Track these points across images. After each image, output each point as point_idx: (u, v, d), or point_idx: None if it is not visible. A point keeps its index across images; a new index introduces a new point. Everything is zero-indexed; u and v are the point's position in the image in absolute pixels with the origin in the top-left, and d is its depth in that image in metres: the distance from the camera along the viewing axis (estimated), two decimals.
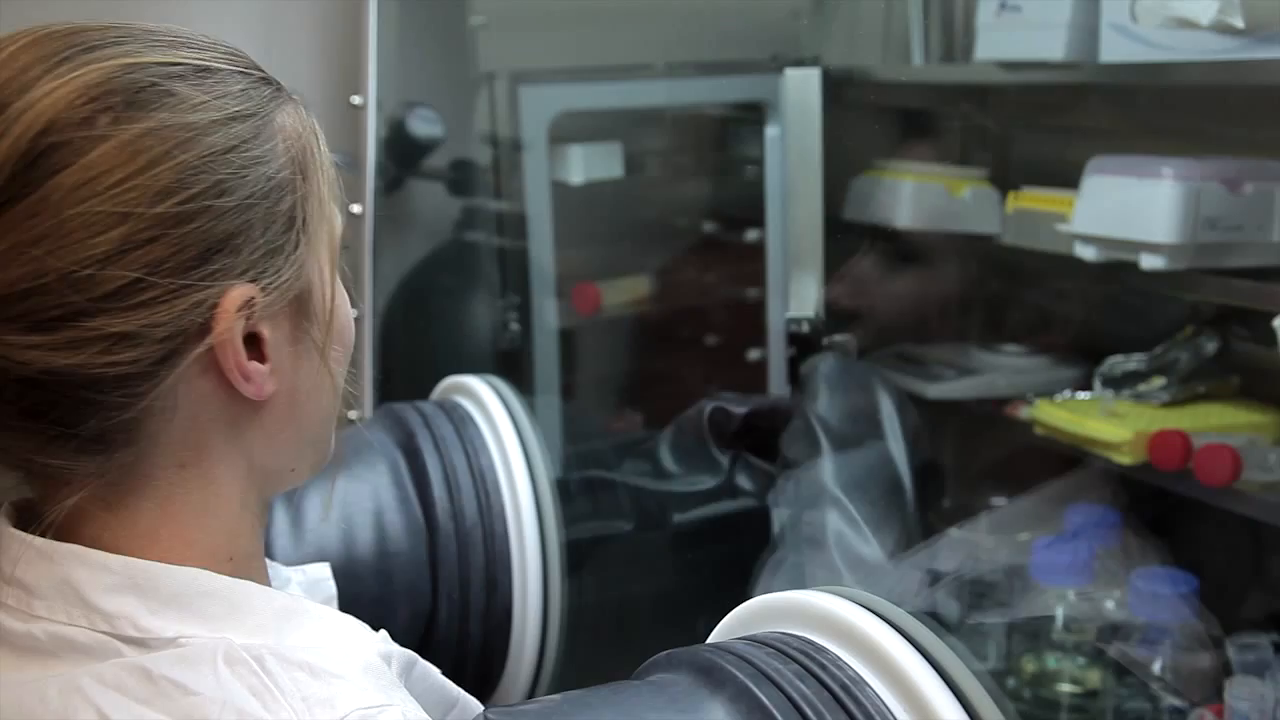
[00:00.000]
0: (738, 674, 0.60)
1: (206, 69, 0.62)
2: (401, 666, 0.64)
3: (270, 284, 0.62)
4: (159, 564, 0.62)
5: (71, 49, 0.59)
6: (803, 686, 0.60)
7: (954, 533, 1.44)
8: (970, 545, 1.33)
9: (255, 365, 0.62)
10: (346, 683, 0.58)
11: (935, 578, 1.24)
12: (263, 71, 0.66)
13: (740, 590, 1.28)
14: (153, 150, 0.58)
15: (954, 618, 1.40)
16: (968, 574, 1.22)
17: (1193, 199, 1.16)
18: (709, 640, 0.71)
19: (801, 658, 0.62)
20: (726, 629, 0.71)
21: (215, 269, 0.60)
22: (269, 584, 0.69)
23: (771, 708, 0.59)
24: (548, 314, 1.53)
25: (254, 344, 0.62)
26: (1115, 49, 1.23)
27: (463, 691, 0.75)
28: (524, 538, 0.99)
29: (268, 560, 0.73)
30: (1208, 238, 1.17)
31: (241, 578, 0.64)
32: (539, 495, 1.01)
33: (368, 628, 0.66)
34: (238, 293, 0.60)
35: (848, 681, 0.61)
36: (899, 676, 0.61)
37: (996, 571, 1.25)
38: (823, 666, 0.61)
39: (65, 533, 0.63)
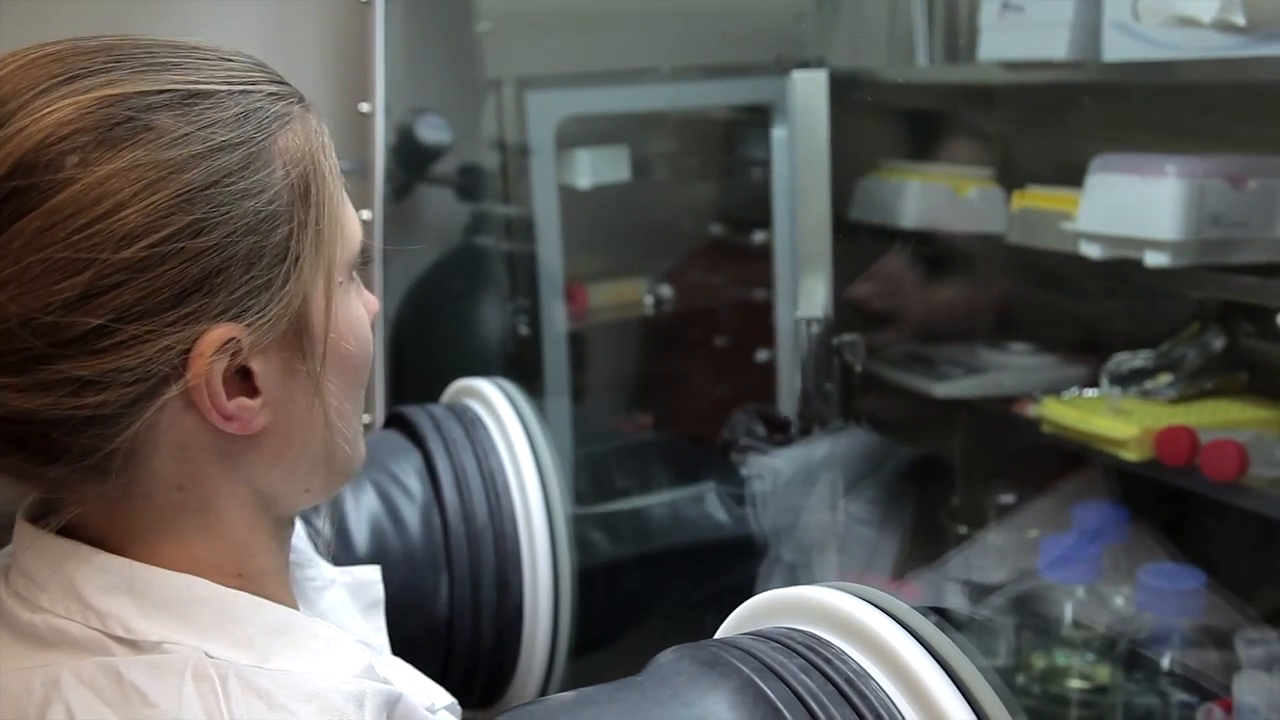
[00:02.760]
0: (742, 668, 0.61)
1: (197, 94, 0.60)
2: (379, 705, 0.62)
3: (256, 321, 0.60)
4: (155, 569, 0.63)
5: (53, 79, 0.58)
6: (807, 680, 0.61)
7: (969, 534, 1.45)
8: (991, 552, 1.34)
9: (240, 402, 0.61)
10: (297, 718, 0.58)
11: (976, 591, 1.24)
12: (275, 84, 0.64)
13: (746, 592, 1.29)
14: (119, 193, 0.56)
15: (963, 614, 1.41)
16: (1015, 589, 1.23)
17: (1196, 196, 1.16)
18: (715, 636, 0.72)
19: (806, 651, 0.63)
20: (732, 625, 0.72)
21: (189, 311, 0.58)
22: (291, 599, 0.70)
23: (776, 700, 0.59)
24: (556, 317, 1.54)
25: (245, 375, 0.62)
26: (1118, 48, 1.23)
27: None
28: (534, 538, 1.01)
29: (315, 561, 0.74)
30: (1212, 234, 1.18)
31: (253, 593, 0.64)
32: (549, 497, 1.02)
33: (360, 657, 0.65)
34: (216, 334, 0.59)
35: (852, 675, 0.62)
36: (903, 671, 0.61)
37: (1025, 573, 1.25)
38: (827, 660, 0.62)
39: (74, 532, 0.64)
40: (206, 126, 0.59)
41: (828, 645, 0.64)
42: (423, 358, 1.54)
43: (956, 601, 1.30)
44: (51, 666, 0.60)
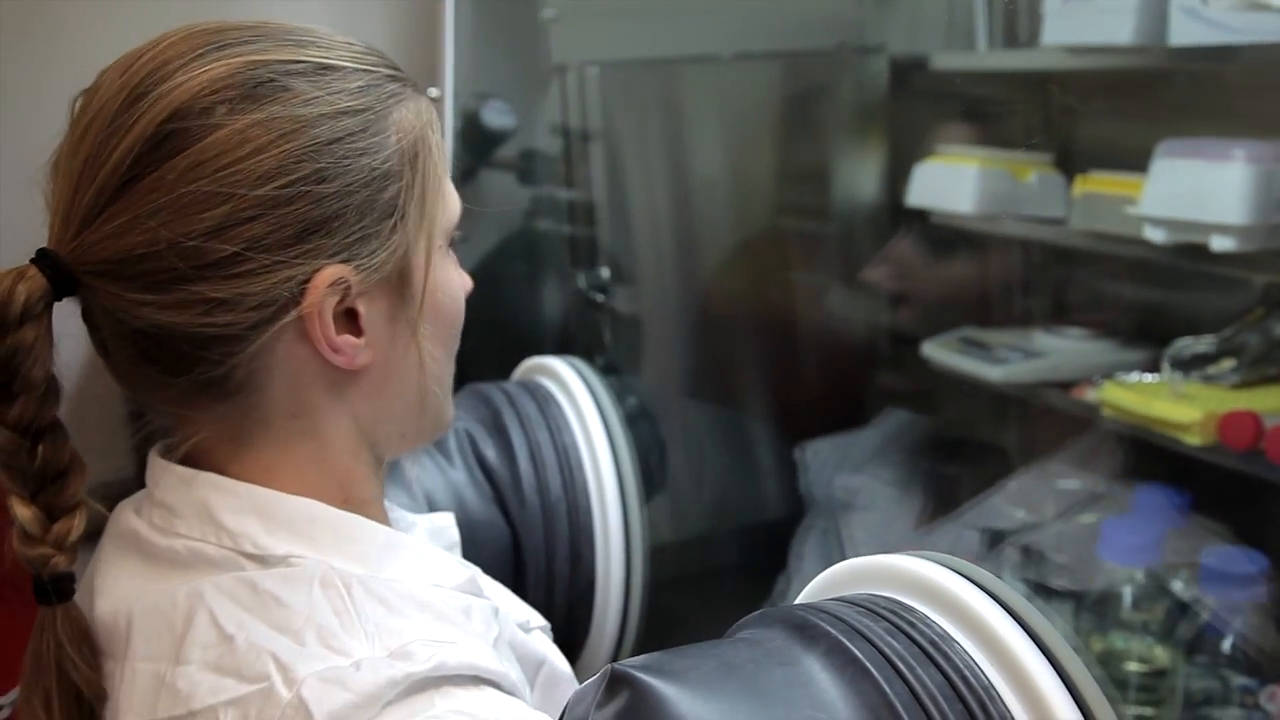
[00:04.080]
0: (831, 630, 0.63)
1: (328, 67, 0.67)
2: (485, 617, 0.69)
3: (364, 265, 0.67)
4: (276, 492, 0.69)
5: (209, 46, 0.66)
6: (893, 642, 0.62)
7: (1010, 486, 1.45)
8: (1024, 500, 1.34)
9: (347, 339, 0.68)
10: (414, 620, 0.65)
11: (994, 538, 1.25)
12: (391, 69, 0.71)
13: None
14: (259, 139, 0.64)
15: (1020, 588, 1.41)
16: (1027, 538, 1.23)
17: (1264, 180, 1.16)
18: (796, 601, 0.74)
19: (891, 615, 0.64)
20: (815, 591, 0.74)
21: (310, 248, 0.65)
22: (387, 524, 0.75)
23: (865, 660, 0.61)
24: (618, 300, 1.56)
25: (352, 318, 0.68)
26: (1185, 32, 1.23)
27: (552, 649, 0.79)
28: (606, 512, 1.02)
29: (395, 507, 0.80)
30: (1279, 219, 1.18)
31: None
32: (621, 472, 1.04)
33: (463, 571, 0.72)
34: (329, 271, 0.66)
35: (936, 638, 0.63)
36: (987, 633, 0.63)
37: (1054, 536, 1.26)
38: (911, 624, 0.64)
39: (202, 464, 0.71)
40: (334, 93, 0.67)
41: (910, 610, 0.66)
42: (488, 337, 1.56)
43: (974, 545, 1.30)
44: (193, 582, 0.66)
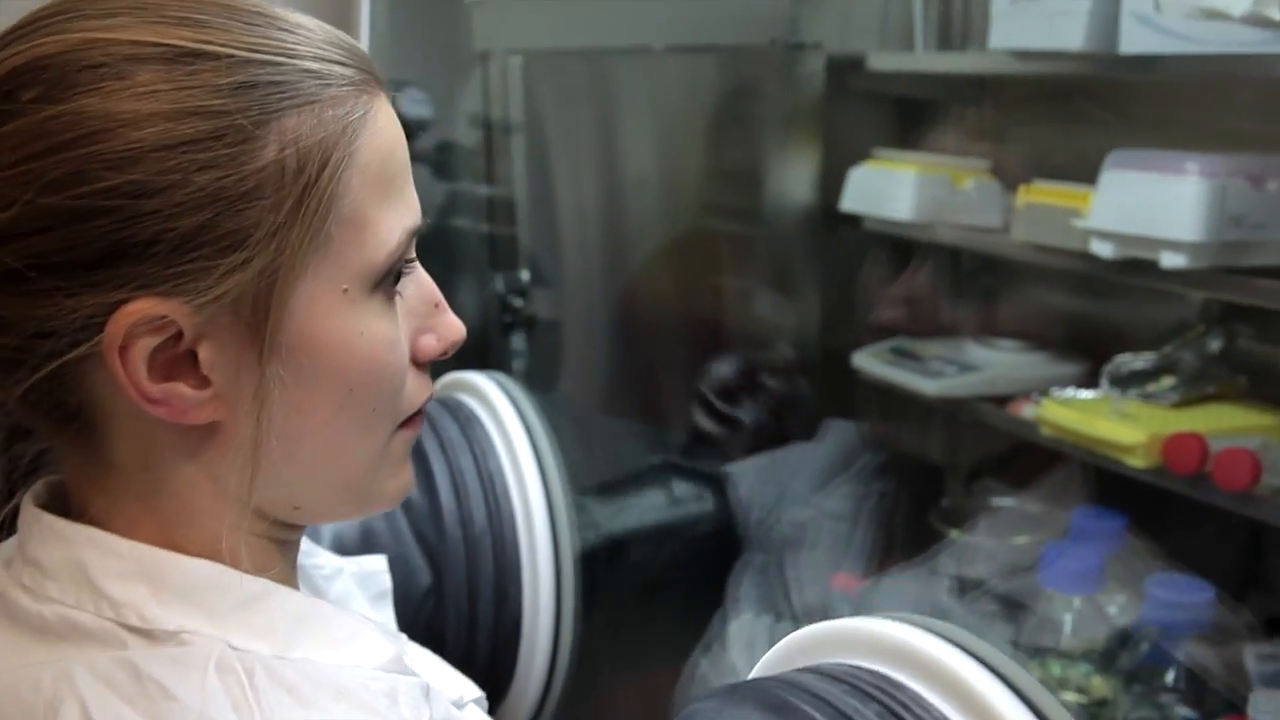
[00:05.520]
0: (816, 715, 0.55)
1: (199, 54, 0.55)
2: (414, 700, 0.58)
3: (199, 302, 0.54)
4: (170, 553, 0.59)
5: (64, 15, 0.55)
6: None
7: (958, 536, 1.42)
8: (980, 551, 1.30)
9: (174, 388, 0.56)
10: (329, 713, 0.55)
11: (962, 585, 1.20)
12: (327, 64, 0.58)
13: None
14: (58, 136, 0.52)
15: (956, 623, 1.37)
16: (996, 586, 1.19)
17: (1218, 195, 1.13)
18: (757, 667, 0.66)
19: (881, 695, 0.57)
20: (782, 657, 0.66)
21: (113, 275, 0.53)
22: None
23: None
24: (538, 304, 1.48)
25: (195, 363, 0.56)
26: (1137, 40, 1.19)
27: None
28: (535, 546, 0.94)
29: (318, 549, 0.71)
30: (1232, 236, 1.14)
31: None
32: (552, 500, 0.95)
33: (387, 648, 0.61)
34: (139, 306, 0.54)
35: None
36: (986, 711, 0.56)
37: (1019, 580, 1.22)
38: (905, 706, 0.57)
39: (81, 513, 0.60)
40: (187, 88, 0.54)
41: (901, 688, 0.58)
42: None
43: (939, 597, 1.26)
44: (62, 661, 0.56)
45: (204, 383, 0.56)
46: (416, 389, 0.64)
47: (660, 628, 1.16)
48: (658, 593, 1.18)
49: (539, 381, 1.47)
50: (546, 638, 0.93)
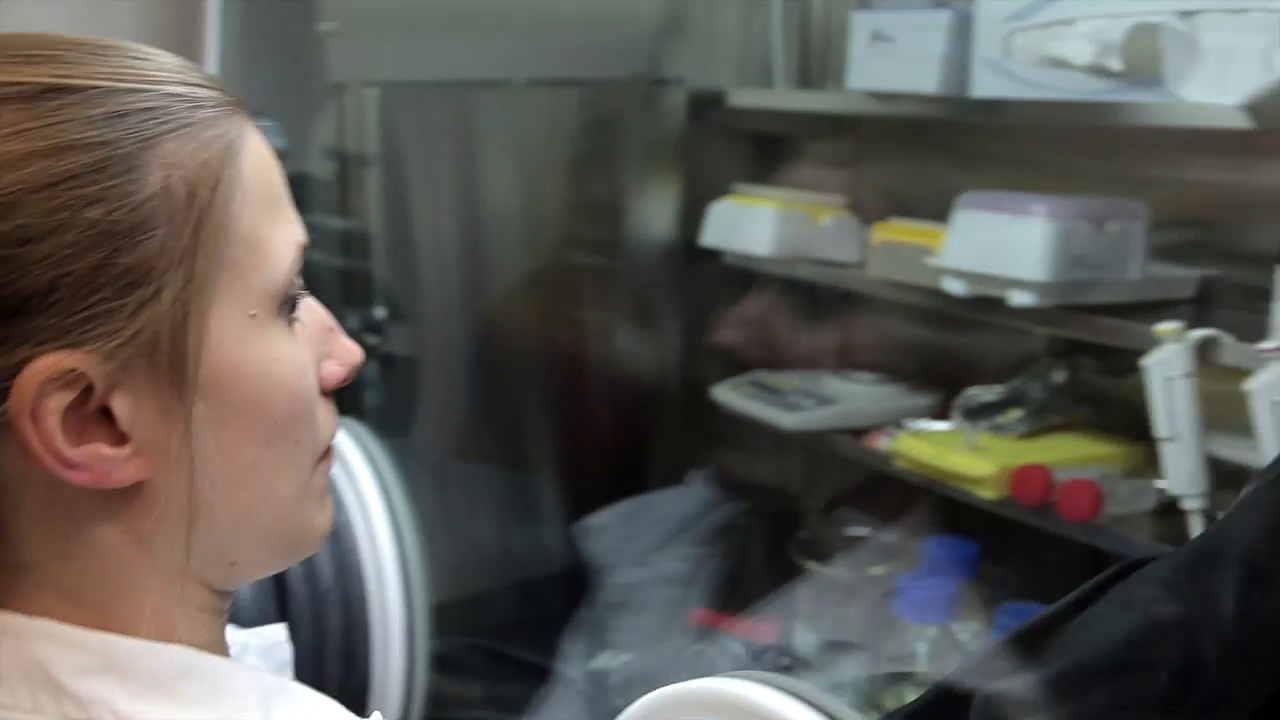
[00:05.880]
0: None
1: (61, 89, 0.51)
2: None
3: (106, 349, 0.50)
4: (141, 641, 0.53)
5: None
6: None
7: (815, 569, 1.43)
8: (832, 587, 1.31)
9: (94, 450, 0.51)
10: None
11: (755, 653, 1.20)
12: (187, 86, 0.55)
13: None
14: None
15: (813, 655, 1.39)
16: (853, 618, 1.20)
17: (1063, 237, 1.17)
18: None
19: None
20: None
21: (13, 332, 0.49)
22: None
23: None
24: (394, 342, 1.44)
25: (110, 419, 0.52)
26: (987, 84, 1.23)
27: None
28: (386, 603, 0.91)
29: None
30: (1074, 275, 1.18)
31: None
32: (404, 554, 0.92)
33: (342, 714, 0.58)
34: (46, 362, 0.49)
35: None
36: None
37: (852, 619, 1.23)
38: None
39: (33, 610, 0.54)
40: (58, 123, 0.50)
41: None
42: None
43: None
44: None
45: (122, 439, 0.52)
46: (327, 418, 0.60)
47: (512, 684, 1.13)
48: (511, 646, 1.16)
49: (395, 421, 1.43)
50: (397, 695, 0.91)
